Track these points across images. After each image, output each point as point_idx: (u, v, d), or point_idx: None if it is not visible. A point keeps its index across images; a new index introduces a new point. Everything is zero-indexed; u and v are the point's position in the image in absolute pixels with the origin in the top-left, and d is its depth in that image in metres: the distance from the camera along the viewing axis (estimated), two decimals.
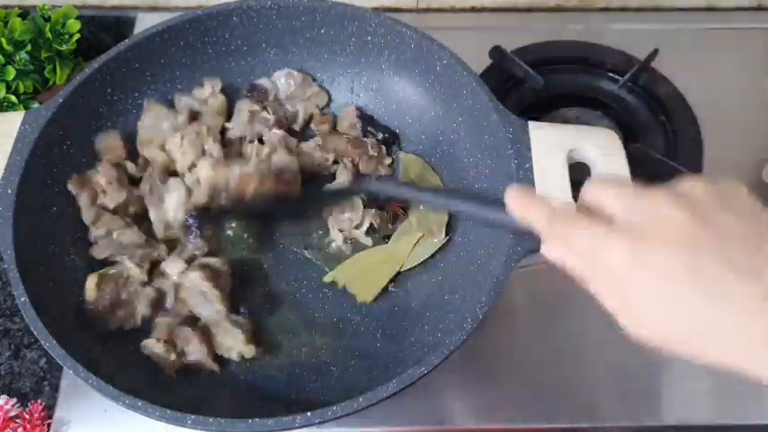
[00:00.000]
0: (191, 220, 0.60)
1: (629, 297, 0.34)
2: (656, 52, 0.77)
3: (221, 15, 0.63)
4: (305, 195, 0.62)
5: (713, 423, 0.59)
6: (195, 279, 0.56)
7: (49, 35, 0.73)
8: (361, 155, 0.65)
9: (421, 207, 0.62)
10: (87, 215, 0.59)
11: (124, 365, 0.54)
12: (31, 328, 0.48)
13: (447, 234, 0.61)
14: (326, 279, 0.61)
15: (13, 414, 0.58)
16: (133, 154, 0.63)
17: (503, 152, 0.55)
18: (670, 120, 0.74)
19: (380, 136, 0.67)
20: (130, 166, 0.63)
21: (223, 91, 0.66)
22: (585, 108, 0.76)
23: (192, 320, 0.57)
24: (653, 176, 0.70)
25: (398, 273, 0.61)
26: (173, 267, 0.58)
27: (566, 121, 0.74)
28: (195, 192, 0.60)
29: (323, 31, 0.65)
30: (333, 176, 0.65)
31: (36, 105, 0.73)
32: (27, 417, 0.58)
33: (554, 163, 0.53)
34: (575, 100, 0.77)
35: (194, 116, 0.65)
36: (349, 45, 0.65)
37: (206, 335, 0.56)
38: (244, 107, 0.65)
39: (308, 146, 0.65)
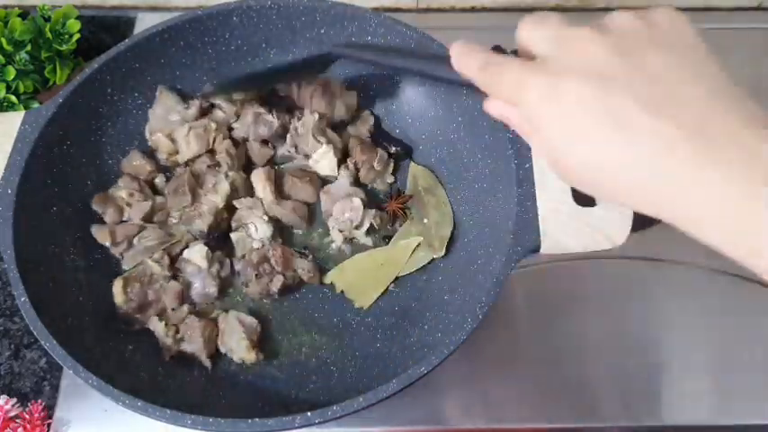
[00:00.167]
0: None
1: (545, 132, 0.33)
2: None
3: (221, 15, 0.63)
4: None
5: (713, 423, 0.59)
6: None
7: (49, 35, 0.73)
8: (365, 162, 0.64)
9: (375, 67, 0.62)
10: (102, 237, 0.59)
11: (124, 365, 0.54)
12: (31, 328, 0.48)
13: (447, 251, 0.61)
14: (326, 280, 0.61)
15: (13, 414, 0.58)
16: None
17: (503, 152, 0.55)
18: None
19: (393, 149, 0.66)
20: (160, 180, 0.64)
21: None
22: None
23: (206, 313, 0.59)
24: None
25: (397, 277, 0.61)
26: (195, 254, 0.59)
27: None
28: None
29: (323, 31, 0.65)
30: None
31: (36, 105, 0.73)
32: (27, 417, 0.58)
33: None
34: None
35: (205, 111, 0.65)
36: None
37: (213, 329, 0.57)
38: (249, 108, 0.65)
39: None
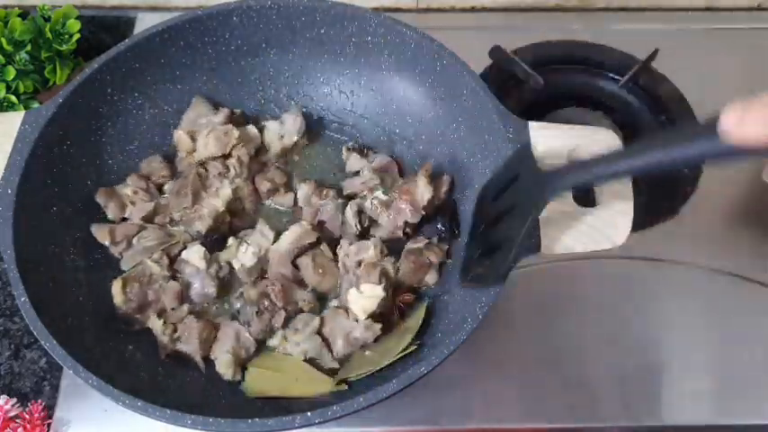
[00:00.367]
0: None
1: None
2: (656, 52, 0.77)
3: (221, 15, 0.63)
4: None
5: (713, 423, 0.59)
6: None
7: (49, 35, 0.73)
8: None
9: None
10: (101, 235, 0.59)
11: (124, 365, 0.54)
12: (31, 328, 0.48)
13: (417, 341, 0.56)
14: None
15: (13, 414, 0.58)
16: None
17: (503, 152, 0.55)
18: (670, 120, 0.74)
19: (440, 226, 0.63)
20: (170, 186, 0.64)
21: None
22: (585, 108, 0.76)
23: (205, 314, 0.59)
24: (653, 176, 0.70)
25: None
26: (193, 254, 0.59)
27: (566, 121, 0.73)
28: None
29: (323, 31, 0.65)
30: None
31: (36, 105, 0.73)
32: (27, 417, 0.58)
33: (554, 163, 0.53)
34: (575, 100, 0.77)
35: (235, 121, 0.65)
36: (349, 45, 0.65)
37: (211, 332, 0.57)
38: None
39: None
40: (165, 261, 0.59)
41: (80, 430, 0.58)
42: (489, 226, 0.53)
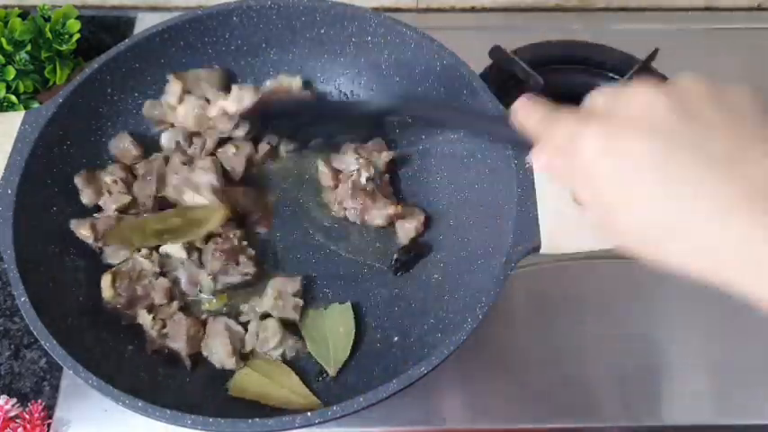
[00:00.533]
0: None
1: (598, 183, 0.33)
2: (656, 52, 0.77)
3: (221, 15, 0.63)
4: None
5: (713, 423, 0.59)
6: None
7: (49, 35, 0.73)
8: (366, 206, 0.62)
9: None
10: (85, 233, 0.59)
11: (124, 365, 0.54)
12: (31, 328, 0.48)
13: (337, 374, 0.56)
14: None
15: (13, 414, 0.58)
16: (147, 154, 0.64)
17: (503, 152, 0.55)
18: None
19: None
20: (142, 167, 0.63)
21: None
22: None
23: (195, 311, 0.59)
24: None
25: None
26: (172, 247, 0.59)
27: None
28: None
29: (323, 31, 0.65)
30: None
31: (36, 105, 0.73)
32: (27, 417, 0.58)
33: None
34: (575, 100, 0.77)
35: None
36: (349, 45, 0.65)
37: (198, 330, 0.57)
38: None
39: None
40: (156, 256, 0.59)
41: (80, 430, 0.58)
42: None
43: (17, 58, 0.72)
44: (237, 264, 0.59)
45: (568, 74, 0.79)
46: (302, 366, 0.57)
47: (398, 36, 0.62)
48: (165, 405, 0.46)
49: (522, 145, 0.40)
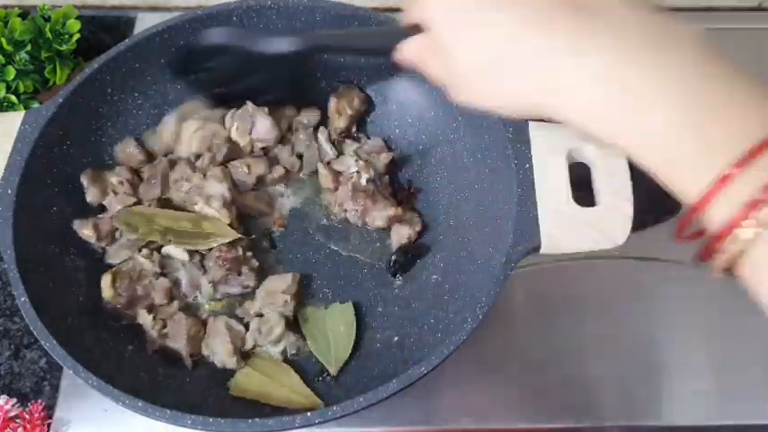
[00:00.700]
0: None
1: (444, 41, 0.40)
2: None
3: (221, 15, 0.63)
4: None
5: (713, 423, 0.59)
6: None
7: (49, 35, 0.73)
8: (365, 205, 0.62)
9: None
10: (87, 233, 0.59)
11: (124, 365, 0.54)
12: (31, 328, 0.48)
13: (337, 374, 0.56)
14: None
15: (13, 414, 0.58)
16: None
17: (503, 152, 0.55)
18: None
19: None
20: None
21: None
22: None
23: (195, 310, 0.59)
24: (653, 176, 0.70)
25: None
26: (173, 249, 0.59)
27: None
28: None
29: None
30: None
31: (36, 105, 0.73)
32: (27, 417, 0.58)
33: (554, 163, 0.53)
34: None
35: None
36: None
37: (199, 330, 0.57)
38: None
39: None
40: (157, 256, 0.59)
41: (80, 430, 0.58)
42: None
43: (17, 58, 0.72)
44: (239, 274, 0.59)
45: None
46: (302, 366, 0.57)
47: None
48: (165, 405, 0.46)
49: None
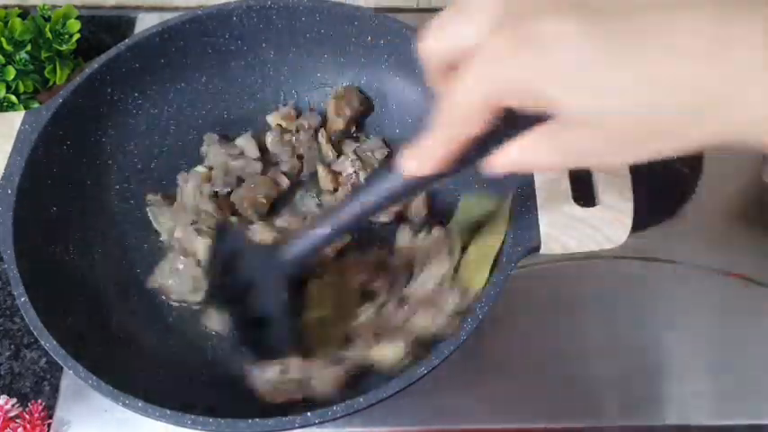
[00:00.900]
0: None
1: (543, 87, 0.27)
2: None
3: (221, 15, 0.63)
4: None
5: (713, 423, 0.59)
6: None
7: (49, 35, 0.73)
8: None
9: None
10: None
11: (124, 365, 0.54)
12: (31, 328, 0.48)
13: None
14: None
15: (13, 414, 0.58)
16: None
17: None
18: None
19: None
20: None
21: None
22: None
23: None
24: (653, 176, 0.70)
25: None
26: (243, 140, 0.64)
27: None
28: None
29: (323, 31, 0.65)
30: None
31: (36, 105, 0.73)
32: (27, 417, 0.58)
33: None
34: None
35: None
36: (349, 45, 0.65)
37: None
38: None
39: None
40: None
41: (80, 430, 0.58)
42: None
43: (17, 58, 0.72)
44: None
45: None
46: None
47: (398, 36, 0.62)
48: (165, 405, 0.46)
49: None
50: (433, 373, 0.47)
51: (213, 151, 0.66)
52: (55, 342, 0.48)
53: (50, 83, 0.74)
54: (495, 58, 0.28)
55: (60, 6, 0.75)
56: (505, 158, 0.31)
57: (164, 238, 0.63)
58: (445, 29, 0.30)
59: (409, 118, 0.67)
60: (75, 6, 0.76)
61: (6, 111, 0.71)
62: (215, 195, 0.64)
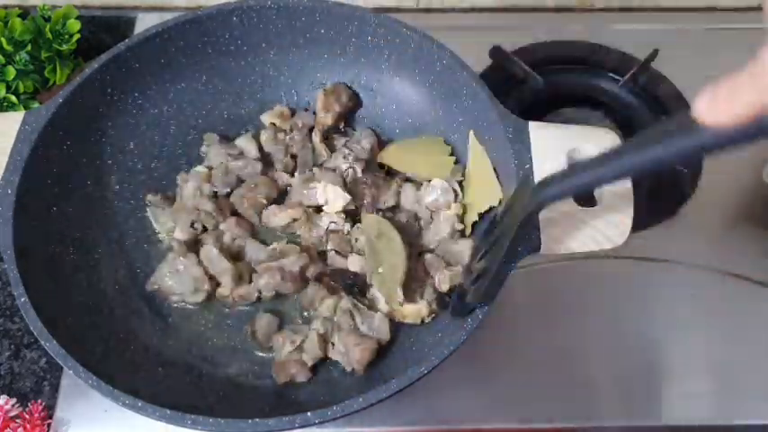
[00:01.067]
0: None
1: None
2: (656, 52, 0.77)
3: (221, 15, 0.63)
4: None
5: (713, 423, 0.59)
6: None
7: (49, 35, 0.73)
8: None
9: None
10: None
11: (124, 365, 0.54)
12: (31, 328, 0.48)
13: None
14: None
15: (13, 414, 0.58)
16: None
17: (503, 152, 0.55)
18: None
19: None
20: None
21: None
22: (585, 108, 0.76)
23: None
24: (653, 176, 0.70)
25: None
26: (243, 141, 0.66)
27: (566, 120, 0.74)
28: None
29: (323, 31, 0.65)
30: None
31: (36, 105, 0.73)
32: (27, 417, 0.58)
33: (554, 163, 0.53)
34: (575, 100, 0.77)
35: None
36: (349, 45, 0.65)
37: None
38: None
39: None
40: None
41: (80, 430, 0.58)
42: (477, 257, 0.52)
43: (17, 58, 0.72)
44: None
45: (568, 74, 0.79)
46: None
47: (398, 36, 0.62)
48: (165, 405, 0.46)
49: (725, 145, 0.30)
50: (433, 373, 0.47)
51: (213, 151, 0.66)
52: (55, 342, 0.48)
53: (50, 83, 0.74)
54: None
55: (60, 6, 0.75)
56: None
57: (163, 237, 0.63)
58: None
59: (409, 118, 0.67)
60: (76, 6, 0.76)
61: (6, 111, 0.71)
62: (215, 195, 0.64)
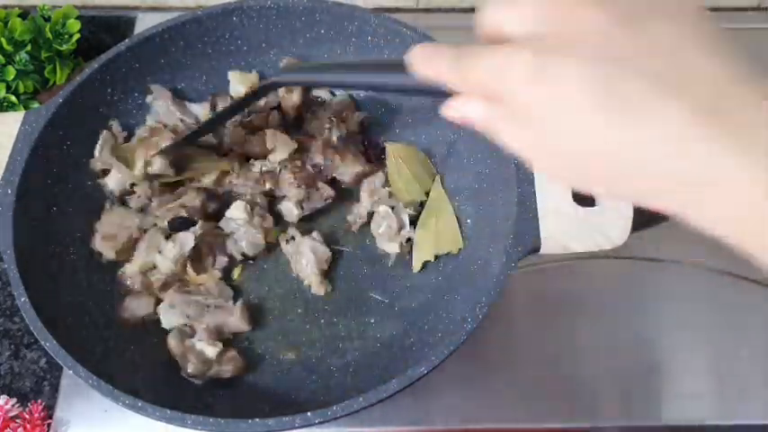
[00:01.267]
0: None
1: (536, 121, 0.28)
2: None
3: (221, 15, 0.63)
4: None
5: (713, 423, 0.59)
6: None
7: (49, 35, 0.73)
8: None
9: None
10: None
11: (124, 365, 0.54)
12: (31, 328, 0.48)
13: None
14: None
15: (13, 414, 0.58)
16: None
17: (503, 152, 0.55)
18: None
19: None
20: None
21: None
22: None
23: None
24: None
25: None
26: (235, 211, 0.62)
27: None
28: None
29: (323, 31, 0.65)
30: None
31: (36, 105, 0.73)
32: (27, 417, 0.58)
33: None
34: None
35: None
36: (349, 45, 0.65)
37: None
38: None
39: None
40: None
41: (80, 430, 0.58)
42: None
43: (17, 58, 0.72)
44: (317, 189, 0.62)
45: None
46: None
47: (398, 36, 0.62)
48: (165, 405, 0.46)
49: (436, 94, 0.34)
50: (433, 373, 0.47)
51: (163, 108, 0.65)
52: (55, 342, 0.48)
53: (50, 83, 0.74)
54: (511, 68, 0.28)
55: (60, 6, 0.75)
56: (453, 111, 0.34)
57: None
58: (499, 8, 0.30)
59: (409, 118, 0.67)
60: (76, 6, 0.76)
61: (6, 111, 0.71)
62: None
